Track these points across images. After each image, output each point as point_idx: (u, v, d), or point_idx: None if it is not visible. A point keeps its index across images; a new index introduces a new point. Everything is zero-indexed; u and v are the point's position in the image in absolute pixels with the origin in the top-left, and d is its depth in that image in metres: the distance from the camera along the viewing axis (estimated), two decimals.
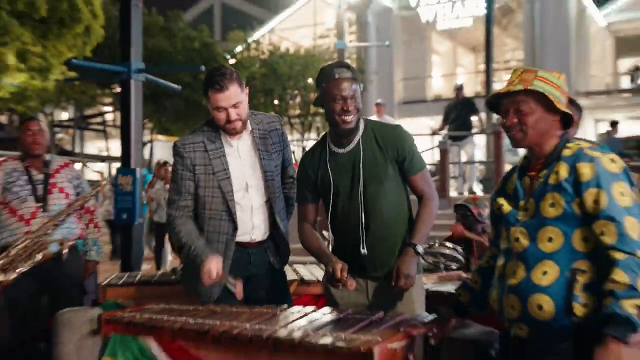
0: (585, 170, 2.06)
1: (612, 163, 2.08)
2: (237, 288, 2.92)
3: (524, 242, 2.15)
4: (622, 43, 27.82)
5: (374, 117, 12.33)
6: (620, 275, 1.93)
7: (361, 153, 2.95)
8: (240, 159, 3.19)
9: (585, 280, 2.04)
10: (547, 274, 2.07)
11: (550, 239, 2.10)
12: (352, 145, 2.98)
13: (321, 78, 2.93)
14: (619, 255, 1.97)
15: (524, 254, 2.14)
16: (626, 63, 27.53)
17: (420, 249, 2.91)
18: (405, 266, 2.86)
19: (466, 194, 11.25)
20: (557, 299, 2.04)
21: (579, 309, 2.02)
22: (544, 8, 24.20)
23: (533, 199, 2.17)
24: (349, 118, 2.85)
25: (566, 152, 2.16)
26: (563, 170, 2.11)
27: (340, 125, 2.89)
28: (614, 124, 14.86)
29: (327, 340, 2.43)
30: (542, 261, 2.09)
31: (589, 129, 23.54)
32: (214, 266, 2.95)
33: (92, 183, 5.62)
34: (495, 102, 2.33)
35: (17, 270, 3.92)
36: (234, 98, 3.05)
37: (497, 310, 2.25)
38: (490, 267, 2.48)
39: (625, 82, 26.70)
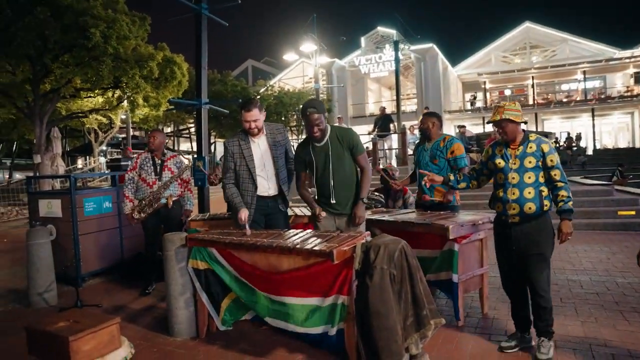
0: (545, 147, 2.44)
1: (551, 145, 2.45)
2: (247, 230, 2.91)
3: (518, 179, 2.45)
4: (466, 85, 28.42)
5: (336, 124, 12.16)
6: (564, 192, 2.42)
7: (329, 145, 2.92)
8: (260, 149, 3.11)
9: (545, 194, 2.45)
10: (531, 193, 2.43)
11: (529, 177, 2.44)
12: (324, 141, 2.94)
13: (302, 112, 2.93)
14: (561, 184, 2.43)
15: (517, 184, 2.45)
16: (468, 95, 27.95)
17: (365, 200, 2.97)
18: (359, 211, 2.92)
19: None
20: (536, 203, 2.42)
21: (546, 207, 2.44)
22: (426, 66, 24.32)
23: (518, 159, 2.47)
24: (316, 134, 2.86)
25: (531, 137, 2.49)
26: (534, 146, 2.46)
27: (312, 137, 2.91)
28: (462, 126, 15.05)
29: (309, 247, 2.42)
30: (527, 187, 2.44)
31: (451, 129, 23.71)
32: (243, 215, 2.97)
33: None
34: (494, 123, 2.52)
35: (146, 212, 4.00)
36: (255, 116, 3.00)
37: (501, 210, 2.51)
38: (469, 176, 2.83)
39: (468, 105, 27.05)
